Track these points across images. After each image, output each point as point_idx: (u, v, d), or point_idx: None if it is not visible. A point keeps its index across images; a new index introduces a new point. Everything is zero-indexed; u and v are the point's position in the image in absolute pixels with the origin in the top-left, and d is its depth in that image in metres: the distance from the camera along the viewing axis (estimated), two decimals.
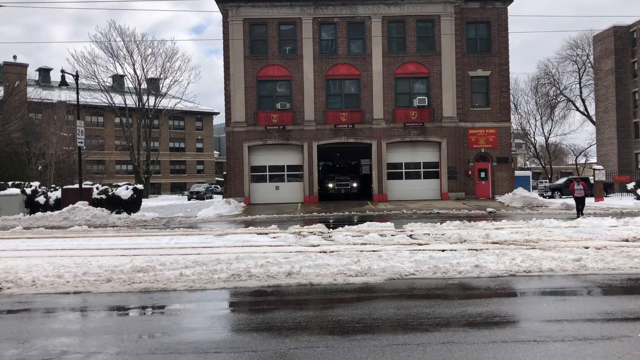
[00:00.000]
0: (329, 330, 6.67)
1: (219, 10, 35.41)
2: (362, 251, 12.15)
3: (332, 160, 38.66)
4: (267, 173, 35.46)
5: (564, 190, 40.35)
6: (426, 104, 34.44)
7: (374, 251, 12.03)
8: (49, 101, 50.63)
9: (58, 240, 16.23)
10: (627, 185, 34.65)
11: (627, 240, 13.38)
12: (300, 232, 17.03)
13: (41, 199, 27.57)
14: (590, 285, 9.08)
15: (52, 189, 28.85)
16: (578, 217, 21.91)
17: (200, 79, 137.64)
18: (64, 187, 29.07)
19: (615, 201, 32.78)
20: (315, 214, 27.43)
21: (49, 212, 25.37)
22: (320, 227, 18.34)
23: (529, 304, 8.20)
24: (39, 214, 25.31)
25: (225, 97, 35.03)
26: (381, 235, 15.08)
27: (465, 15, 35.31)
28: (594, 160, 70.28)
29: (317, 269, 10.06)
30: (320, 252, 12.19)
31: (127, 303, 8.40)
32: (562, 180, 45.48)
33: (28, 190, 27.72)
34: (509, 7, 35.61)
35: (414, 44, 35.10)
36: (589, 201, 31.21)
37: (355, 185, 35.97)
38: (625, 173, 46.52)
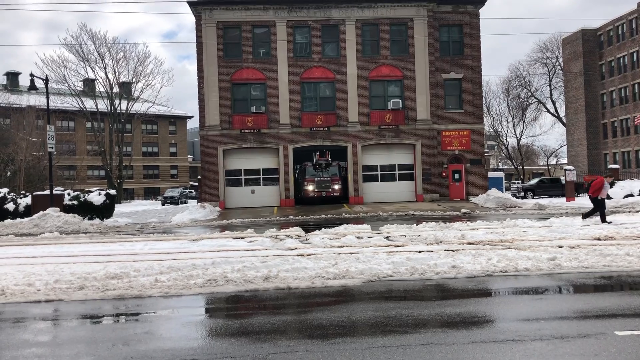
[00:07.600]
0: (308, 334, 6.61)
1: (191, 13, 35.15)
2: (339, 254, 12.10)
3: (310, 160, 38.22)
4: (243, 177, 35.22)
5: (536, 191, 41.01)
6: (400, 106, 34.66)
7: (351, 254, 11.99)
8: (18, 106, 49.52)
9: (28, 247, 15.83)
10: None
11: (599, 239, 13.59)
12: (277, 235, 16.92)
13: (10, 206, 26.89)
14: (565, 284, 9.19)
15: (21, 196, 28.18)
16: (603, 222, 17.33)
17: (173, 83, 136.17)
18: (34, 193, 28.42)
19: (586, 201, 33.17)
20: (291, 217, 27.33)
21: (18, 219, 24.77)
22: (297, 230, 18.26)
23: (506, 304, 8.25)
24: (7, 221, 24.68)
25: (199, 101, 34.73)
26: (358, 237, 15.05)
27: (438, 19, 35.65)
28: (565, 161, 71.63)
29: (295, 273, 9.98)
30: (298, 255, 12.12)
31: (101, 311, 8.21)
32: (534, 181, 46.20)
33: None
34: (480, 11, 36.08)
35: (387, 47, 35.29)
36: (561, 201, 31.73)
37: (336, 187, 35.09)
38: (595, 173, 47.42)
